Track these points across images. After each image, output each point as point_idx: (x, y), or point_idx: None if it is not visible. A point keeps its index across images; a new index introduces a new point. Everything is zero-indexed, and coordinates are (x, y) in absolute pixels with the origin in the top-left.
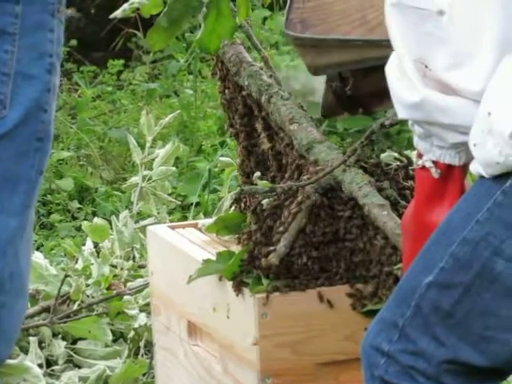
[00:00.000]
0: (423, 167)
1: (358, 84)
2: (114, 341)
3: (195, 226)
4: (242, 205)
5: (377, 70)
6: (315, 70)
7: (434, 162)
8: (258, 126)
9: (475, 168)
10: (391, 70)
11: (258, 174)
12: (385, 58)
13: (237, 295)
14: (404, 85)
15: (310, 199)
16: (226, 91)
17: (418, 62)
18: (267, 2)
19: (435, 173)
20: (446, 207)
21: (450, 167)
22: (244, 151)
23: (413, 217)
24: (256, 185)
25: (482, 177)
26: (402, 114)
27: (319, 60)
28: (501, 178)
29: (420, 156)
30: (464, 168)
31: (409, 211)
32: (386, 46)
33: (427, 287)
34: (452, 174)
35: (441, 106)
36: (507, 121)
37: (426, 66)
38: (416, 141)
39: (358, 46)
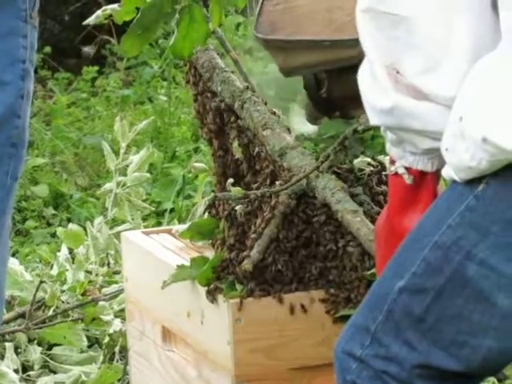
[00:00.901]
0: (396, 173)
1: (332, 86)
2: (89, 346)
3: (169, 231)
4: (216, 211)
5: (350, 71)
6: (286, 72)
7: (407, 169)
8: (231, 132)
9: (447, 173)
10: (363, 76)
11: (230, 180)
12: (355, 58)
13: (211, 301)
14: (376, 91)
15: (283, 205)
16: (199, 97)
17: (390, 68)
18: (240, 7)
19: (408, 179)
20: (419, 213)
21: (422, 173)
22: (217, 158)
23: (386, 223)
24: (229, 191)
25: (454, 181)
26: (374, 120)
27: (290, 62)
28: (473, 182)
29: (393, 162)
30: (437, 174)
31: (382, 217)
32: (354, 45)
33: (399, 292)
34: (425, 180)
35: (412, 112)
36: (479, 125)
37: (398, 72)
38: (388, 147)
39: (327, 47)
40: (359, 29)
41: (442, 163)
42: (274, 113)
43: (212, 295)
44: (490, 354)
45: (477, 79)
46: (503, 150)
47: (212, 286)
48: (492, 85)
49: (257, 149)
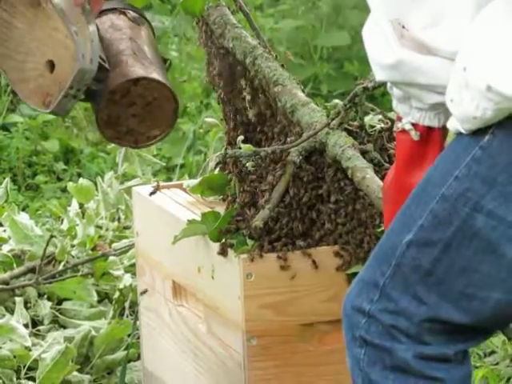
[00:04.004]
0: (403, 130)
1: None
2: (99, 301)
3: (180, 186)
4: (227, 167)
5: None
6: None
7: (414, 125)
8: (243, 88)
9: (453, 124)
10: (368, 33)
11: (241, 137)
12: None
13: (223, 257)
14: (381, 46)
15: (294, 162)
16: (210, 54)
17: (395, 23)
18: None
19: (415, 135)
20: (426, 169)
21: (429, 129)
22: (228, 114)
23: (393, 180)
24: (240, 148)
25: (459, 133)
26: (379, 75)
27: None
28: (478, 133)
29: (399, 119)
30: (443, 130)
31: (389, 174)
32: None
33: (407, 246)
34: (432, 137)
35: (418, 66)
36: (483, 74)
37: (403, 27)
38: (395, 104)
39: None
40: None
41: (449, 119)
42: (285, 69)
43: (223, 250)
44: (498, 306)
45: (479, 29)
46: (507, 98)
47: (223, 242)
48: (495, 34)
49: (268, 105)
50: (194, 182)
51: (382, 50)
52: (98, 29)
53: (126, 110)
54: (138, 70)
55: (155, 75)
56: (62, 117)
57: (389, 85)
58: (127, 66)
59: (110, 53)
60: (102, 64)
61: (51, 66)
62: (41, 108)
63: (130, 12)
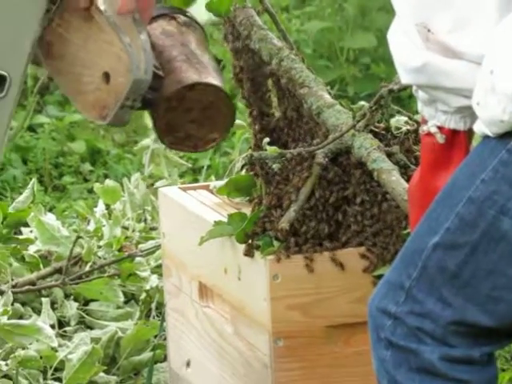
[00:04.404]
0: (428, 133)
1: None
2: (126, 302)
3: (206, 187)
4: (253, 168)
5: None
6: None
7: (439, 128)
8: (269, 90)
9: (479, 128)
10: (393, 35)
11: (266, 139)
12: None
13: (249, 257)
14: (406, 49)
15: (320, 164)
16: (237, 55)
17: (421, 26)
18: None
19: (440, 138)
20: (452, 172)
21: (455, 132)
22: (254, 116)
23: (419, 182)
24: (266, 150)
25: (485, 136)
26: (405, 78)
27: None
28: (505, 136)
29: (425, 122)
30: (469, 133)
31: (415, 177)
32: None
33: (433, 248)
34: (457, 139)
35: (443, 70)
36: (510, 77)
37: (429, 30)
38: (420, 107)
39: None
40: None
41: (474, 122)
42: (312, 71)
43: (249, 252)
44: None
45: (506, 32)
46: None
47: (249, 243)
48: None
49: (294, 107)
50: (221, 183)
51: (408, 54)
52: (149, 36)
53: (184, 116)
54: (192, 76)
55: (210, 79)
56: (120, 127)
57: (414, 88)
58: (181, 72)
59: (163, 60)
60: (156, 72)
61: (107, 78)
62: (98, 121)
63: (181, 16)
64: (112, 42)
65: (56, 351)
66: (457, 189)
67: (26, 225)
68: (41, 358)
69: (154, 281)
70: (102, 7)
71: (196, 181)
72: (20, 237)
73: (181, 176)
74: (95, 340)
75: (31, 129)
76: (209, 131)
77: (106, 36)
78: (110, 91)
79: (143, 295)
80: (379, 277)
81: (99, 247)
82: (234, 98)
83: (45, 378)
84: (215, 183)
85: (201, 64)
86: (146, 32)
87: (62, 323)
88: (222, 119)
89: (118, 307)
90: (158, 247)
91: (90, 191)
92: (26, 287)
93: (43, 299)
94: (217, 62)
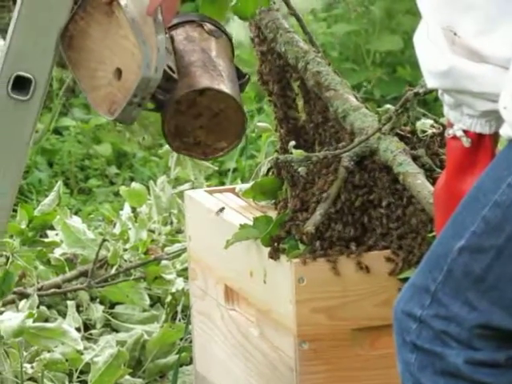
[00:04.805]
0: (454, 137)
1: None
2: (152, 305)
3: (232, 190)
4: (279, 171)
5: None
6: None
7: (465, 131)
8: (295, 93)
9: (506, 131)
10: (419, 39)
11: (292, 143)
12: None
13: (274, 260)
14: (432, 53)
15: (346, 167)
16: (263, 58)
17: (447, 30)
18: None
19: (466, 142)
20: (477, 176)
21: (480, 136)
22: (281, 119)
23: (444, 186)
24: (292, 153)
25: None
26: (431, 82)
27: None
28: None
29: (450, 125)
30: (495, 136)
31: (440, 180)
32: None
33: (459, 252)
34: (483, 143)
35: (470, 74)
36: None
37: (455, 34)
38: (446, 110)
39: None
40: None
41: (500, 125)
42: (338, 74)
43: (275, 255)
44: None
45: None
46: None
47: (275, 246)
48: None
49: (320, 110)
50: (247, 186)
51: (433, 57)
52: (172, 40)
53: (193, 121)
54: (204, 81)
55: (222, 86)
56: (127, 125)
57: (440, 91)
58: (195, 76)
59: (181, 64)
60: (171, 75)
61: (119, 74)
62: (107, 115)
63: (208, 24)
64: (127, 37)
65: (82, 354)
66: (483, 192)
67: (52, 228)
68: (66, 360)
69: (179, 284)
70: (123, 2)
71: (222, 184)
72: (45, 240)
73: (207, 179)
74: (121, 343)
75: (57, 131)
76: (217, 139)
77: (122, 32)
78: (120, 87)
79: (169, 298)
80: (405, 280)
81: (125, 250)
82: (261, 101)
83: (70, 381)
84: (241, 186)
85: (216, 71)
86: (163, 33)
87: (87, 326)
88: (232, 128)
89: (144, 310)
90: (183, 250)
91: (116, 194)
92: (52, 290)
93: (69, 302)
94: (239, 75)
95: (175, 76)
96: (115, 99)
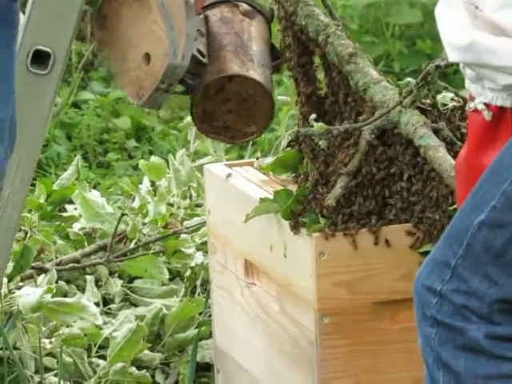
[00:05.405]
0: (475, 110)
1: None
2: (171, 279)
3: (252, 164)
4: (299, 145)
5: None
6: None
7: (486, 105)
8: (316, 66)
9: None
10: (441, 12)
11: (313, 116)
12: None
13: (295, 234)
14: (453, 27)
15: (366, 140)
16: (283, 31)
17: (468, 4)
18: None
19: (487, 115)
20: (498, 150)
21: (502, 110)
22: (301, 92)
23: (465, 159)
24: (312, 127)
25: None
26: (452, 56)
27: None
28: None
29: (472, 98)
30: None
31: (461, 154)
32: None
33: (479, 226)
34: (504, 117)
35: (491, 48)
36: None
37: (476, 7)
38: (467, 84)
39: None
40: None
41: None
42: (358, 47)
43: (295, 228)
44: None
45: None
46: None
47: (296, 220)
48: None
49: (340, 84)
50: (267, 160)
51: (455, 31)
52: (207, 21)
53: (221, 106)
54: (233, 67)
55: (251, 73)
56: (155, 110)
57: (461, 65)
58: (225, 61)
59: (213, 47)
60: (200, 59)
61: (148, 58)
62: (134, 99)
63: (243, 5)
64: (157, 22)
65: (100, 329)
66: (503, 167)
67: (71, 202)
68: (85, 335)
69: (199, 258)
70: None
71: (241, 157)
72: (64, 214)
73: (226, 152)
74: (140, 317)
75: (76, 105)
76: (246, 124)
77: (152, 16)
78: (148, 72)
79: (188, 272)
80: (425, 254)
81: (144, 224)
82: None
83: (89, 356)
84: (261, 160)
85: (247, 56)
86: (194, 18)
87: (106, 301)
88: (261, 114)
89: (163, 284)
90: (203, 224)
91: (135, 168)
92: (70, 265)
93: (87, 277)
94: (273, 57)
95: (205, 60)
96: (143, 84)
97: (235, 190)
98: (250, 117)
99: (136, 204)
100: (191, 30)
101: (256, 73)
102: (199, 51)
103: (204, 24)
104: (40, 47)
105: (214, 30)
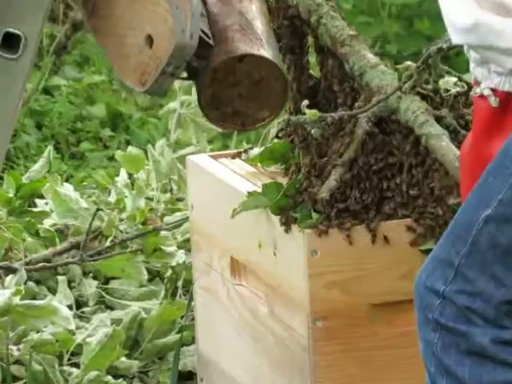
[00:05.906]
0: (481, 95)
1: None
2: (150, 280)
3: (239, 155)
4: (290, 134)
5: None
6: None
7: (493, 90)
8: (308, 49)
9: None
10: None
11: (305, 102)
12: None
13: (285, 231)
14: (457, 7)
15: (363, 129)
16: (274, 12)
17: None
18: None
19: (494, 101)
20: (505, 138)
21: (509, 95)
22: (292, 76)
23: (470, 149)
24: (304, 114)
25: None
26: (455, 38)
27: None
28: None
29: (477, 83)
30: None
31: (467, 143)
32: None
33: (485, 221)
34: (511, 103)
35: (496, 29)
36: None
37: None
38: (472, 67)
39: None
40: None
41: None
42: (353, 28)
43: (286, 224)
44: None
45: None
46: None
47: (286, 215)
48: None
49: (334, 67)
50: (254, 150)
51: (458, 12)
52: (205, 2)
53: (231, 90)
54: (243, 47)
55: (262, 52)
56: (159, 97)
57: (465, 47)
58: (232, 42)
59: (216, 28)
60: (206, 40)
61: (150, 41)
62: (137, 87)
63: None
64: (159, 2)
65: (73, 334)
66: (510, 158)
67: (41, 196)
68: (56, 341)
69: (180, 256)
70: None
71: (226, 147)
72: (34, 209)
73: (210, 142)
74: (116, 321)
75: (47, 91)
76: (259, 108)
77: None
78: (152, 56)
79: (169, 272)
80: (427, 251)
81: (121, 220)
82: None
83: (61, 364)
84: (248, 151)
85: (255, 35)
86: None
87: (79, 303)
88: (274, 96)
89: (142, 285)
90: (185, 220)
91: (111, 159)
92: (41, 264)
93: (59, 277)
94: (277, 37)
95: (211, 42)
96: (146, 69)
97: (221, 182)
98: (263, 100)
99: (112, 198)
100: (196, 10)
101: (268, 52)
102: (203, 32)
103: (202, 6)
104: (10, 29)
105: (214, 11)
